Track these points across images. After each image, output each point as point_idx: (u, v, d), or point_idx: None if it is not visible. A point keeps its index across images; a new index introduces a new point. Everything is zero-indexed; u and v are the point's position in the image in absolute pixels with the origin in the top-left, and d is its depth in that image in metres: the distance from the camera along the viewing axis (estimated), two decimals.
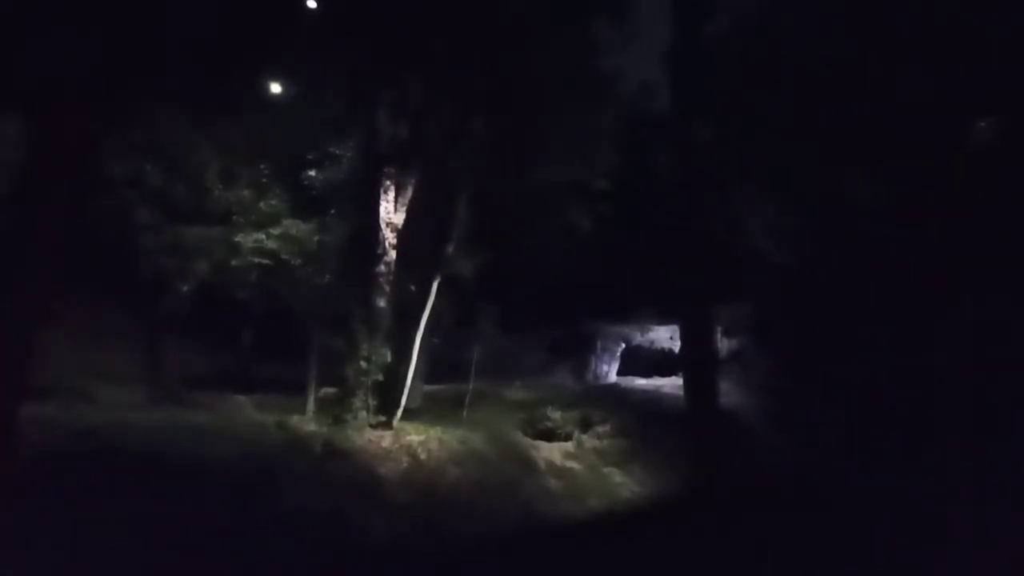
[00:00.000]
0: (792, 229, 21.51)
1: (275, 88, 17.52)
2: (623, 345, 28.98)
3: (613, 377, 28.45)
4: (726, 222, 21.38)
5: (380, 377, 17.73)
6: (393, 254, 18.31)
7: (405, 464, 16.31)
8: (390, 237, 18.25)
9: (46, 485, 10.92)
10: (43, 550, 9.61)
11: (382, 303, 18.06)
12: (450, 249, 19.66)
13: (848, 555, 13.28)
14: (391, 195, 18.36)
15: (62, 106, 9.76)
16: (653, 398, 24.82)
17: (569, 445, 20.83)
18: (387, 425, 17.48)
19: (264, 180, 18.36)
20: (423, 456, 16.82)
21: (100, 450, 12.58)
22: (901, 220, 16.51)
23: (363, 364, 17.33)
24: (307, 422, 17.16)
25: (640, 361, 28.43)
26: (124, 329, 20.60)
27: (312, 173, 19.07)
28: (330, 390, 18.90)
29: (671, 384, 25.35)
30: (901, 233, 16.73)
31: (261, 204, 18.22)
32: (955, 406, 14.78)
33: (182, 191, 17.88)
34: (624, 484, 19.70)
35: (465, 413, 21.30)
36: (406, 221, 18.62)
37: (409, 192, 18.61)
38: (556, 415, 21.20)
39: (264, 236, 17.96)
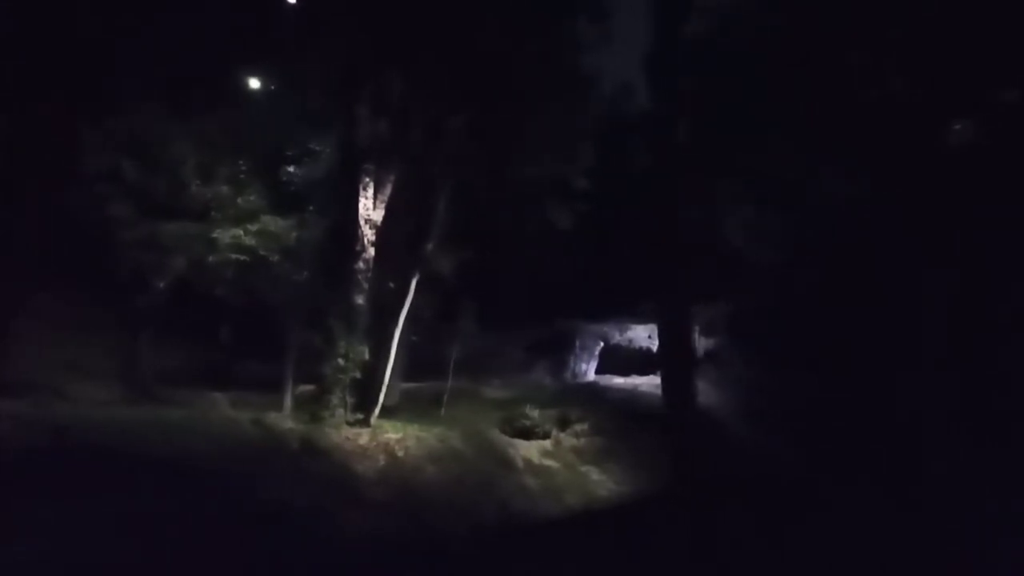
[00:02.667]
0: (769, 229, 21.70)
1: (254, 83, 17.46)
2: (601, 344, 29.06)
3: (591, 376, 28.53)
4: (704, 222, 21.55)
5: (358, 374, 17.73)
6: (372, 251, 18.26)
7: (382, 462, 16.29)
8: (369, 234, 18.19)
9: (20, 482, 10.83)
10: (18, 546, 9.52)
11: (360, 300, 18.00)
12: (429, 246, 19.67)
13: (821, 550, 13.43)
14: (370, 192, 18.30)
15: (40, 101, 9.68)
16: (631, 396, 24.94)
17: (547, 443, 20.88)
18: (365, 423, 17.46)
19: (242, 176, 18.28)
20: (400, 454, 16.81)
21: (74, 447, 12.47)
22: (879, 219, 16.74)
23: (341, 361, 17.31)
24: (284, 419, 17.07)
25: (618, 360, 28.50)
26: (100, 325, 20.41)
27: (291, 169, 19.02)
28: (308, 387, 18.89)
29: (649, 383, 25.49)
30: (879, 232, 16.96)
31: (239, 200, 18.15)
32: (933, 402, 15.00)
33: (159, 186, 17.75)
34: (601, 482, 19.76)
35: (443, 411, 21.32)
36: (385, 218, 18.57)
37: (389, 189, 18.57)
38: (534, 413, 21.26)
39: (242, 232, 17.91)
